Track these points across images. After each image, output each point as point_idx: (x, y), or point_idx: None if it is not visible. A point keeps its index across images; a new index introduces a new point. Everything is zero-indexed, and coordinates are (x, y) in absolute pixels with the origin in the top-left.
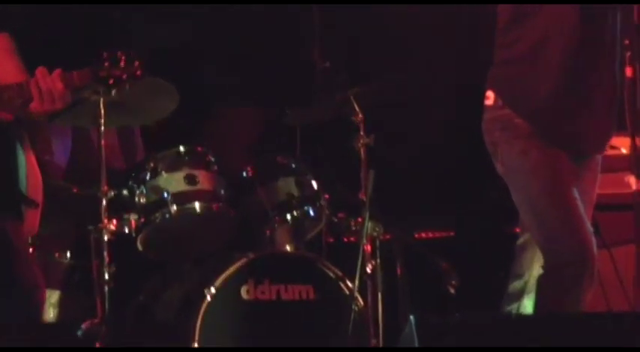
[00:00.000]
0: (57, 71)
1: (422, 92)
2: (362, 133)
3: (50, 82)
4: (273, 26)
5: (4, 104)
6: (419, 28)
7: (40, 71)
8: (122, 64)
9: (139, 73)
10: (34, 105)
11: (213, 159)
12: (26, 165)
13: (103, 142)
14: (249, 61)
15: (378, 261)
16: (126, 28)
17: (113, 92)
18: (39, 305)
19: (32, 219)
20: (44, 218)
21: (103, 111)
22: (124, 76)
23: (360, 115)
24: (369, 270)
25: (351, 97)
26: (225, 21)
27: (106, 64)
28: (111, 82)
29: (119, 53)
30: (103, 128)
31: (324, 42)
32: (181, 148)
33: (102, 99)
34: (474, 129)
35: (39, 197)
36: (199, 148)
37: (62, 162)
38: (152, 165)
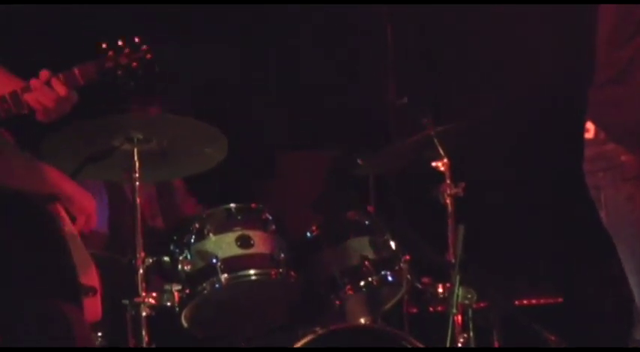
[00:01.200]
0: (45, 74)
1: (519, 131)
2: (448, 181)
3: (50, 93)
4: (339, 54)
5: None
6: (511, 54)
7: (35, 84)
8: (127, 51)
9: (149, 56)
10: (39, 117)
11: (270, 218)
12: (71, 246)
13: (138, 200)
14: (311, 97)
15: (472, 334)
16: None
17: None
18: None
19: (93, 305)
20: None
21: (137, 163)
22: (134, 64)
23: (446, 160)
24: (460, 345)
25: (435, 138)
26: (279, 51)
27: (110, 53)
28: (119, 72)
29: (119, 40)
30: (137, 183)
31: (401, 72)
32: (232, 205)
33: (136, 149)
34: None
35: (95, 282)
36: (253, 205)
37: (102, 225)
38: (197, 226)
